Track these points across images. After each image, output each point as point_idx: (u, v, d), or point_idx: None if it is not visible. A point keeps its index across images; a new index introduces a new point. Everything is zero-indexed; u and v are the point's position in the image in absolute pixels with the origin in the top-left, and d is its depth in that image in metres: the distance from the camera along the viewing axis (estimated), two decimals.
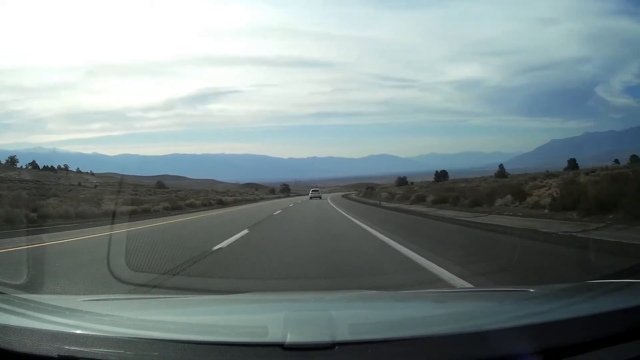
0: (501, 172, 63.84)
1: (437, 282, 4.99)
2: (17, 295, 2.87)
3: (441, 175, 79.04)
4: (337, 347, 1.32)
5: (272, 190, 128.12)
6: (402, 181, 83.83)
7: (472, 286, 4.62)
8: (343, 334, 1.63)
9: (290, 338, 1.40)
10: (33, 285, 4.82)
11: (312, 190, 63.56)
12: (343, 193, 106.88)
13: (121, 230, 13.84)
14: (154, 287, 4.95)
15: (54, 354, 1.35)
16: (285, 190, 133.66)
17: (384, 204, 31.64)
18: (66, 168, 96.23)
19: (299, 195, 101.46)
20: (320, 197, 54.60)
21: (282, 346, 1.33)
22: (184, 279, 5.72)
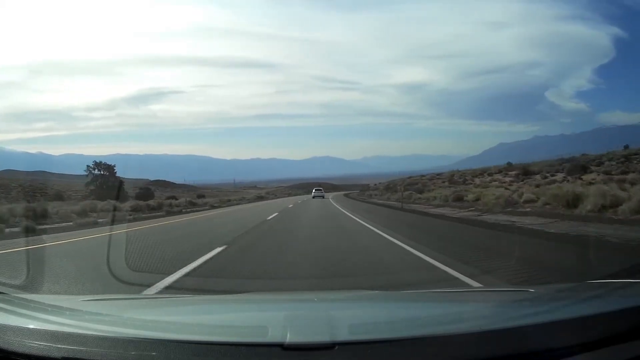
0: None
1: None
2: (17, 295, 2.87)
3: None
4: (337, 347, 1.32)
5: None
6: (526, 171, 41.43)
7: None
8: (343, 334, 1.62)
9: (290, 338, 1.40)
10: None
11: (315, 190, 62.92)
12: (343, 192, 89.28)
13: None
14: None
15: (54, 354, 1.35)
16: (143, 194, 48.98)
17: None
18: None
19: (230, 205, 42.86)
20: (323, 197, 54.36)
21: (282, 346, 1.33)
22: None
